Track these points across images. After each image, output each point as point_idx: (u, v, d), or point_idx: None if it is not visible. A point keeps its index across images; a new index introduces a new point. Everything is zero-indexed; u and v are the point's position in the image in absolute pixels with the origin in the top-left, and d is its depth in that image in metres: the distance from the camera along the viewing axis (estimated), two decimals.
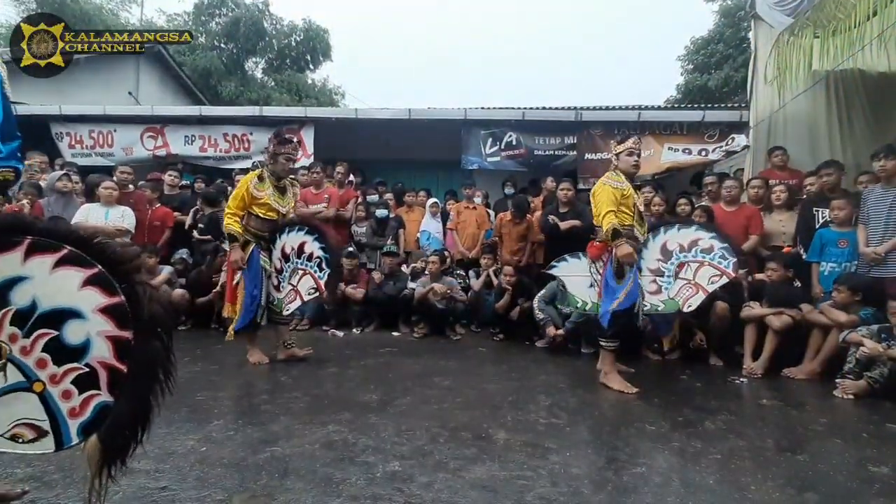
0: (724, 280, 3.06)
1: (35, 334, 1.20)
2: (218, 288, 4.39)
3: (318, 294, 3.50)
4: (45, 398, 1.21)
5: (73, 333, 1.22)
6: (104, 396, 1.23)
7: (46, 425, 1.22)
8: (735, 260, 3.09)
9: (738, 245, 3.67)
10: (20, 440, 1.21)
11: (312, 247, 3.46)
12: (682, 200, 4.47)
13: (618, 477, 1.91)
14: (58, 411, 1.22)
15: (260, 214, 3.39)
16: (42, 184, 4.88)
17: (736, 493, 1.79)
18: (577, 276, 3.40)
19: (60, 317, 1.21)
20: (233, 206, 3.35)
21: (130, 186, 5.11)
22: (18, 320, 1.19)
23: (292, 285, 3.48)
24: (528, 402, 2.77)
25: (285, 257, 3.49)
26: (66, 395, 1.22)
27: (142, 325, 1.23)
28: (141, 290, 1.26)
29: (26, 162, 5.31)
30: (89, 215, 4.41)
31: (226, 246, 3.73)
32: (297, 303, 3.49)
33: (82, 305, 1.21)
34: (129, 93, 9.69)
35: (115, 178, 4.79)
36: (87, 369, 1.22)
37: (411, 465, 1.95)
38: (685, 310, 3.09)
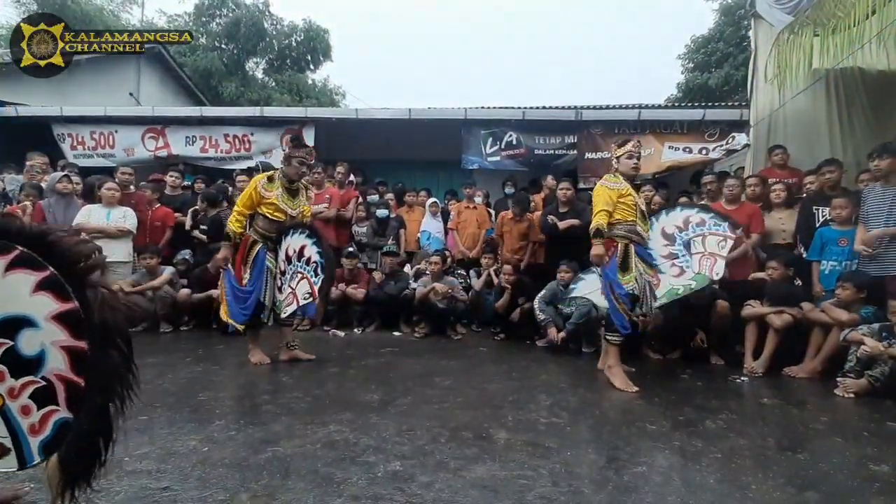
0: (730, 243, 3.28)
1: None
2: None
3: (311, 299, 3.49)
4: (4, 414, 1.14)
5: (27, 344, 1.13)
6: (63, 412, 1.14)
7: (8, 442, 1.15)
8: (727, 223, 3.30)
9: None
10: None
11: (311, 251, 3.47)
12: (683, 199, 4.48)
13: (618, 476, 1.91)
14: (18, 428, 1.14)
15: (267, 214, 3.40)
16: (43, 185, 4.89)
17: (737, 493, 1.80)
18: (597, 290, 3.42)
19: (14, 325, 1.12)
20: (239, 204, 3.38)
21: (132, 187, 5.12)
22: None
23: (291, 288, 3.48)
24: (528, 401, 2.77)
25: (288, 259, 3.51)
26: (26, 410, 1.14)
27: (95, 333, 1.14)
28: (92, 295, 1.15)
29: (27, 163, 5.32)
30: (91, 216, 4.42)
31: None
32: (294, 306, 3.49)
33: (35, 313, 1.13)
34: (130, 94, 9.71)
35: (116, 179, 4.80)
36: (44, 383, 1.13)
37: (412, 464, 1.96)
38: (714, 278, 3.24)
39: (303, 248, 3.49)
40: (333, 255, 3.75)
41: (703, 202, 4.48)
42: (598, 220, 3.02)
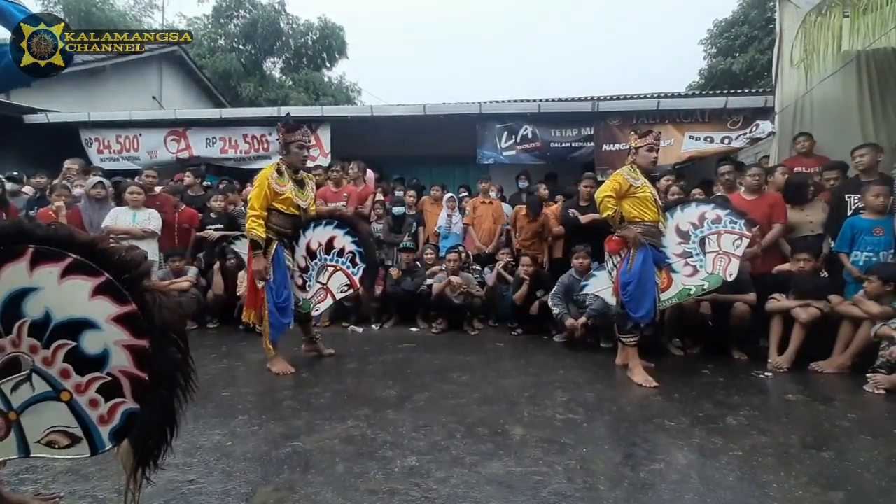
0: (745, 242, 3.21)
1: (54, 345, 1.21)
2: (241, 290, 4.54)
3: (352, 291, 3.38)
4: (73, 407, 1.23)
5: (90, 344, 1.22)
6: (130, 404, 1.24)
7: (79, 432, 1.24)
8: (743, 220, 3.23)
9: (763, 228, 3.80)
10: (56, 446, 1.25)
11: (343, 241, 3.33)
12: (696, 190, 4.42)
13: (635, 473, 1.90)
14: (87, 419, 1.24)
15: (282, 210, 3.17)
16: (78, 190, 5.09)
17: (757, 491, 1.77)
18: (609, 288, 3.39)
19: (76, 327, 1.21)
20: (256, 206, 3.06)
21: (157, 189, 5.26)
22: (36, 332, 1.20)
23: (321, 283, 3.35)
24: (545, 397, 2.77)
25: (311, 254, 3.36)
26: (93, 403, 1.23)
27: (156, 332, 1.23)
28: (150, 298, 1.24)
29: (66, 167, 5.54)
30: (118, 219, 4.58)
31: (236, 248, 3.74)
32: (328, 302, 3.37)
33: (95, 315, 1.21)
34: (153, 97, 9.97)
35: (140, 181, 4.95)
36: (110, 378, 1.23)
37: (428, 460, 1.99)
38: (728, 279, 3.20)
39: (332, 239, 3.34)
40: (373, 242, 3.57)
41: (720, 194, 4.37)
42: (606, 207, 3.03)
